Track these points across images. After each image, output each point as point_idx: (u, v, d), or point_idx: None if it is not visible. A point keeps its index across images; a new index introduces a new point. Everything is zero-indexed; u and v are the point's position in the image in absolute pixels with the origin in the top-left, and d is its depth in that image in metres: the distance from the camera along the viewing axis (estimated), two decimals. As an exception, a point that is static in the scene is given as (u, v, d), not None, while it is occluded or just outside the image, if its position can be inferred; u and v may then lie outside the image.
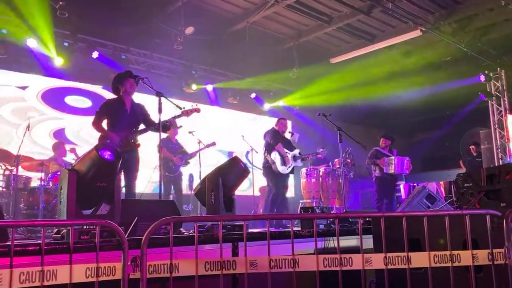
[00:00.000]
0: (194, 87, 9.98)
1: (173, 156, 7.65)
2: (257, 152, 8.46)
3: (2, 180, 6.49)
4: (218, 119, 10.81)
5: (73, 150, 7.40)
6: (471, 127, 12.31)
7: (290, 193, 8.88)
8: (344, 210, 6.84)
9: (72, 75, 8.77)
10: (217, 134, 9.47)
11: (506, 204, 3.20)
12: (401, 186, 8.77)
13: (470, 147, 10.67)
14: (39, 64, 8.22)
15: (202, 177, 5.17)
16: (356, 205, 10.65)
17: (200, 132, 8.22)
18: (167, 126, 5.13)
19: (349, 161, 8.70)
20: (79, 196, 3.22)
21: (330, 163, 8.98)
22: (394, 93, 10.81)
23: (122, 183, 4.71)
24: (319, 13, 9.33)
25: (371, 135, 11.14)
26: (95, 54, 8.47)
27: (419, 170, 11.83)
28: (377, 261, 2.33)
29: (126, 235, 2.46)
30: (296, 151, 7.45)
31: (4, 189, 6.45)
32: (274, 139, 7.26)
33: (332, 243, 3.62)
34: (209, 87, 10.44)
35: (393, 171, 8.28)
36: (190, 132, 8.03)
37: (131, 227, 3.41)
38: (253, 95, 11.30)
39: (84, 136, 8.79)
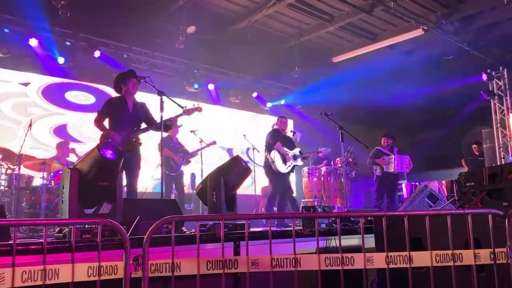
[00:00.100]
0: (195, 86, 9.99)
1: (174, 155, 7.66)
2: (258, 151, 8.46)
3: (4, 179, 6.49)
4: (220, 118, 10.81)
5: (73, 150, 7.38)
6: (473, 126, 12.29)
7: (291, 192, 8.86)
8: (345, 209, 6.84)
9: (74, 74, 8.80)
10: (219, 132, 9.46)
11: (508, 203, 3.18)
12: (403, 185, 8.78)
13: (472, 146, 10.65)
14: (41, 63, 8.25)
15: (204, 175, 5.17)
16: (358, 204, 10.65)
17: (201, 131, 8.23)
18: (169, 125, 5.12)
19: (350, 160, 8.68)
20: (81, 195, 3.22)
21: (332, 162, 8.97)
22: (396, 92, 10.79)
23: (124, 182, 4.71)
24: (321, 12, 9.32)
25: (372, 135, 11.12)
26: (97, 53, 8.49)
27: (421, 169, 11.81)
28: (379, 260, 2.33)
29: (128, 234, 2.46)
30: (297, 150, 7.45)
31: (6, 188, 6.46)
32: (273, 138, 7.28)
33: (333, 242, 3.61)
34: (211, 86, 10.44)
35: (393, 170, 8.27)
36: (192, 131, 8.04)
37: (133, 226, 3.41)
38: (254, 94, 11.30)
39: (86, 132, 8.77)
